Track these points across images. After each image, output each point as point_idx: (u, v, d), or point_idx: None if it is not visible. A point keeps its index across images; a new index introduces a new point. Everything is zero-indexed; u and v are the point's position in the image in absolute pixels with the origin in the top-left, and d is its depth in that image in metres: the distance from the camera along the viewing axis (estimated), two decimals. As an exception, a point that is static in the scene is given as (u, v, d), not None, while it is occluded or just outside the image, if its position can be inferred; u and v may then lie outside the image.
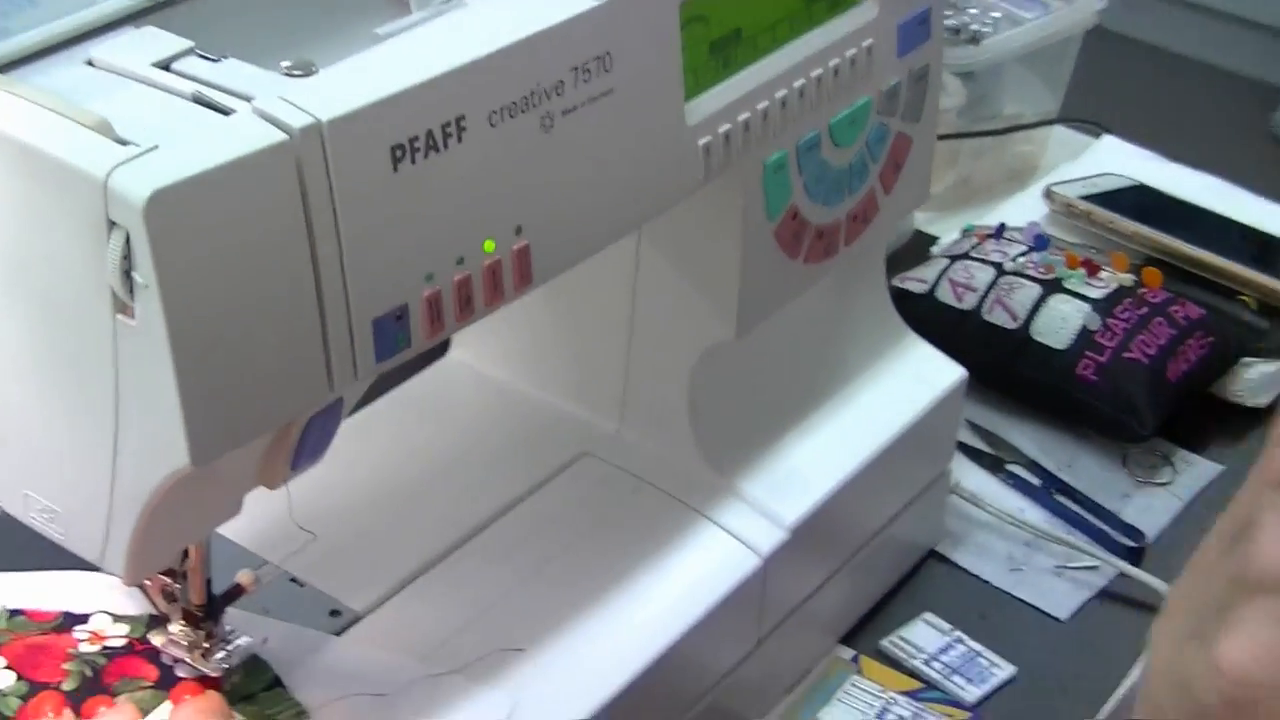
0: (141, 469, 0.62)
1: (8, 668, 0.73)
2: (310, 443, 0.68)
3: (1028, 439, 1.11)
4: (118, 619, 0.76)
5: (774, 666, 0.90)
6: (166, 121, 0.59)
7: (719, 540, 0.84)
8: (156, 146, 0.57)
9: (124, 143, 0.57)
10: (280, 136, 0.58)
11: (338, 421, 0.69)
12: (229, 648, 0.73)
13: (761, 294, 0.83)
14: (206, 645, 0.73)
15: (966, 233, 1.21)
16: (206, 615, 0.72)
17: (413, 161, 0.62)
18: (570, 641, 0.78)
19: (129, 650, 0.75)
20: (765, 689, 0.90)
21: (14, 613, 0.76)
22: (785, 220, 0.82)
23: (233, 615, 0.75)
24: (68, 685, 0.73)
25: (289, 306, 0.61)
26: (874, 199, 0.87)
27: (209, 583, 0.72)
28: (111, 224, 0.56)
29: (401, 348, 0.66)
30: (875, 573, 0.97)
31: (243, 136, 0.58)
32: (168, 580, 0.73)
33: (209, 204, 0.57)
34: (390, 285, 0.64)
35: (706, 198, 0.77)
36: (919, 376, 0.96)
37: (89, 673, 0.73)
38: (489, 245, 0.66)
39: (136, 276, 0.57)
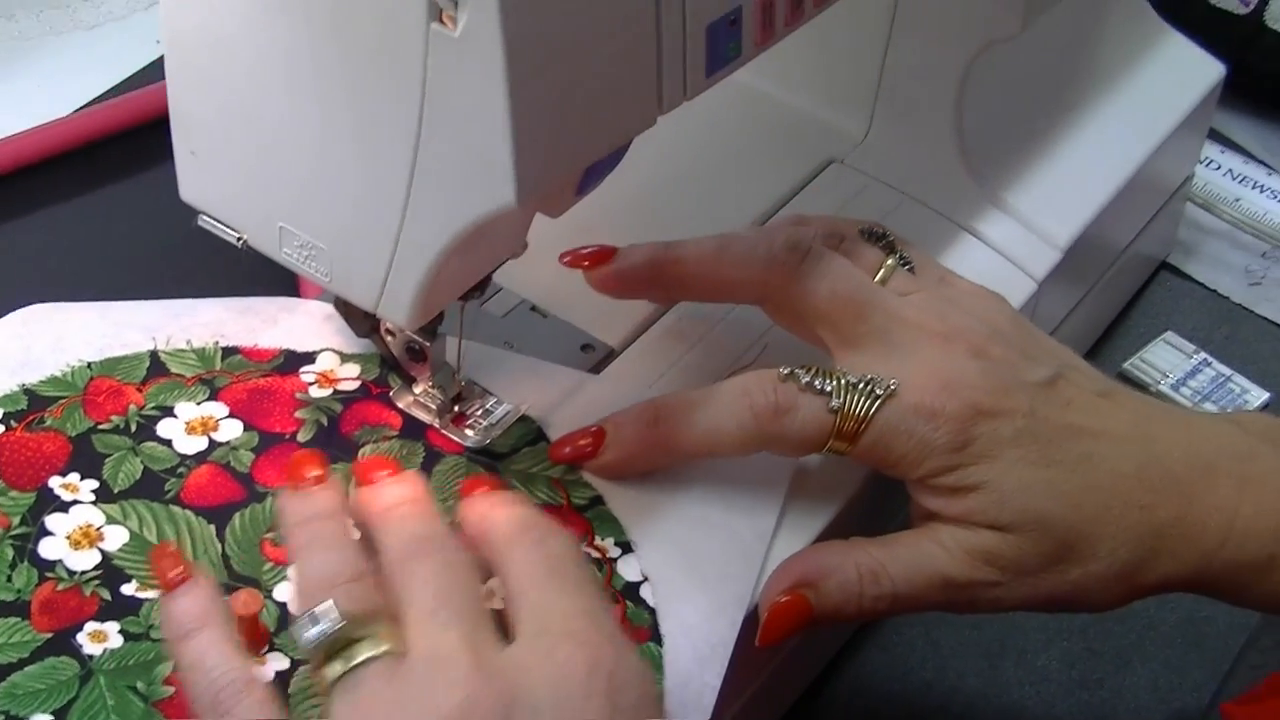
0: (447, 208, 0.53)
1: (232, 416, 0.65)
2: (601, 166, 0.59)
3: (1252, 136, 1.02)
4: (345, 358, 0.68)
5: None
6: None
7: (990, 261, 0.76)
8: None
9: None
10: None
11: (629, 144, 0.59)
12: (487, 420, 0.65)
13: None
14: (459, 410, 0.65)
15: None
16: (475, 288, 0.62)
17: None
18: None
19: (365, 394, 0.66)
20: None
21: (228, 350, 0.68)
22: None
23: (475, 350, 0.67)
24: (303, 435, 0.65)
25: (627, 11, 0.51)
26: None
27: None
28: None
29: (732, 57, 0.56)
30: (1114, 290, 0.89)
31: None
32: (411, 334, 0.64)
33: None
34: (728, -18, 0.54)
35: None
36: (1178, 76, 0.86)
37: (324, 421, 0.65)
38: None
39: (467, -22, 0.47)
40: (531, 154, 0.50)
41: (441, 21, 0.49)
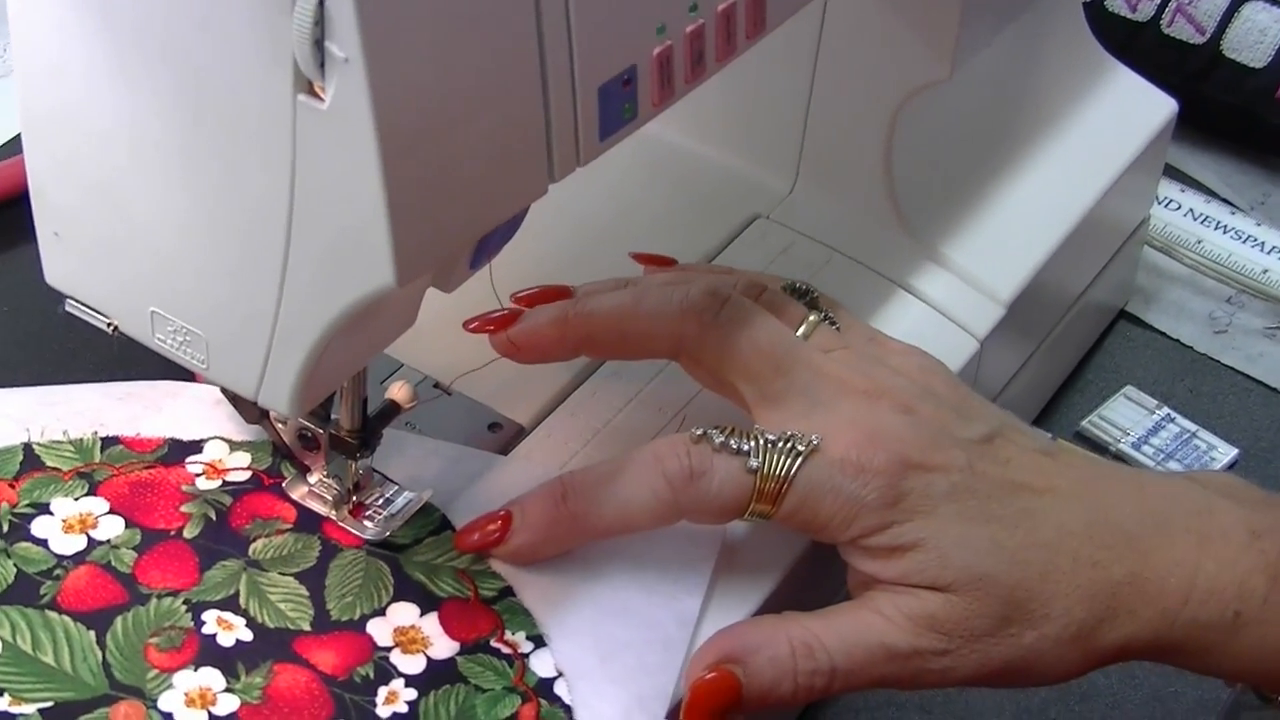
0: (324, 290, 0.53)
1: (112, 512, 0.65)
2: (494, 238, 0.59)
3: (1212, 172, 1.03)
4: (235, 446, 0.68)
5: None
6: None
7: (928, 320, 0.76)
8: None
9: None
10: None
11: (525, 211, 0.60)
12: (387, 510, 0.65)
13: (981, 22, 0.74)
14: (357, 500, 0.65)
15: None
16: (362, 444, 0.64)
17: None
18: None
19: (256, 485, 0.66)
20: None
21: (108, 441, 0.67)
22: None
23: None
24: (189, 531, 0.64)
25: (508, 76, 0.52)
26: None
27: (364, 403, 0.63)
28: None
29: (627, 119, 0.57)
30: (1068, 344, 0.90)
31: None
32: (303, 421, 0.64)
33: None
34: (620, 41, 0.55)
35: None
36: (1126, 113, 0.87)
37: (213, 515, 0.65)
38: (725, -16, 0.57)
39: (333, 48, 0.47)
40: (410, 231, 0.51)
41: (310, 93, 0.49)
